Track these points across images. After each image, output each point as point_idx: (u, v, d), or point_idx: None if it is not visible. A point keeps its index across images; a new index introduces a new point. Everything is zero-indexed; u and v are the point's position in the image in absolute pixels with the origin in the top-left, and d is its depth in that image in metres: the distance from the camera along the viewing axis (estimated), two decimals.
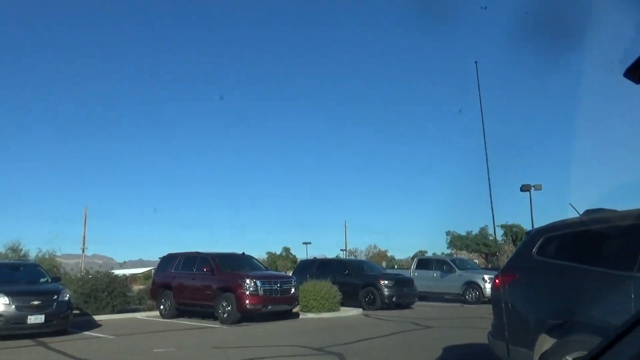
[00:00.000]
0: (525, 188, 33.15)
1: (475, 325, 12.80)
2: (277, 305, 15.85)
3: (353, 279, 20.28)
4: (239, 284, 15.29)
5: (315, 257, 28.72)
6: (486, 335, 6.40)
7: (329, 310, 17.47)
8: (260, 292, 15.34)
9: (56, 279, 15.22)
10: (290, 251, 63.84)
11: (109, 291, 17.33)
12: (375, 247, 68.35)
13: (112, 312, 17.26)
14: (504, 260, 35.93)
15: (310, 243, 59.84)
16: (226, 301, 15.40)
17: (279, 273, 22.65)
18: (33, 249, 34.06)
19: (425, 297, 23.33)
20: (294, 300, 16.56)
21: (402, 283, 20.36)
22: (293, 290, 16.47)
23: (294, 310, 17.09)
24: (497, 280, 6.19)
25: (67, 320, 13.20)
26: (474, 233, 42.73)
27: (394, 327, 14.09)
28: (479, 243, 41.40)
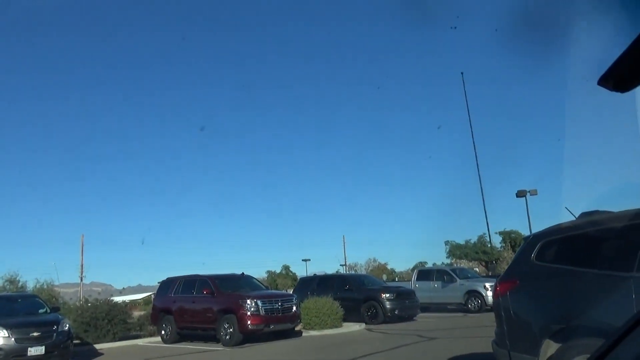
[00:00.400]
0: (520, 194, 33.29)
1: (479, 335, 12.74)
2: (279, 325, 15.73)
3: (354, 293, 20.21)
4: (240, 305, 15.19)
5: (315, 274, 28.62)
6: (490, 344, 6.38)
7: (332, 327, 17.37)
8: (262, 312, 15.24)
9: (55, 309, 15.11)
10: (290, 269, 63.58)
11: (109, 319, 17.19)
12: (374, 260, 68.10)
13: (113, 339, 17.11)
14: (503, 267, 35.89)
15: (309, 260, 59.71)
16: (228, 323, 15.28)
17: (279, 292, 22.53)
18: (31, 279, 33.89)
19: (427, 308, 23.24)
20: (296, 318, 16.46)
21: (403, 295, 20.28)
22: (294, 308, 16.37)
23: (297, 328, 16.98)
24: (498, 288, 6.18)
25: (68, 350, 13.08)
26: (472, 241, 42.71)
27: (397, 340, 14.00)
28: (478, 251, 41.34)
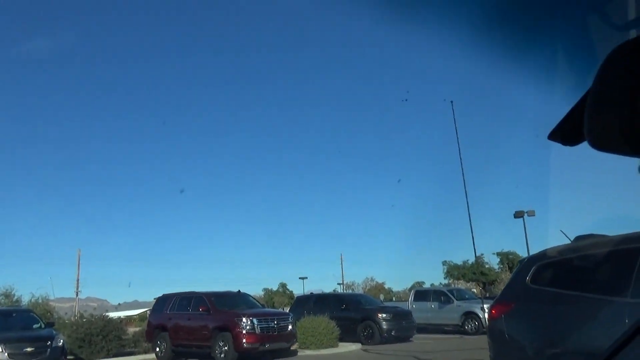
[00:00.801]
0: (518, 215, 33.25)
1: (475, 357, 12.66)
2: (274, 344, 15.64)
3: (351, 313, 20.11)
4: (236, 323, 15.12)
5: (311, 293, 28.55)
6: None
7: (328, 347, 17.27)
8: (257, 331, 15.16)
9: (50, 324, 15.07)
10: (287, 287, 63.21)
11: (103, 335, 17.08)
12: (372, 279, 67.78)
13: (107, 356, 16.98)
14: (500, 288, 35.72)
15: (306, 278, 59.25)
16: (223, 341, 15.20)
17: (275, 310, 22.43)
18: (26, 294, 33.77)
19: (424, 329, 23.09)
20: (291, 337, 16.36)
21: (400, 316, 20.20)
22: (290, 327, 16.29)
23: (292, 347, 16.87)
24: (492, 311, 6.19)
25: None
26: (470, 262, 42.61)
27: None
28: (475, 272, 41.19)
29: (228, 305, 16.57)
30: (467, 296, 25.49)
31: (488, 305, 21.68)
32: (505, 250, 44.31)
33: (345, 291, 53.25)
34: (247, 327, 15.04)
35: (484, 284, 42.50)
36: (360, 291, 54.80)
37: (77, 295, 49.82)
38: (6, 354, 12.09)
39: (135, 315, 54.81)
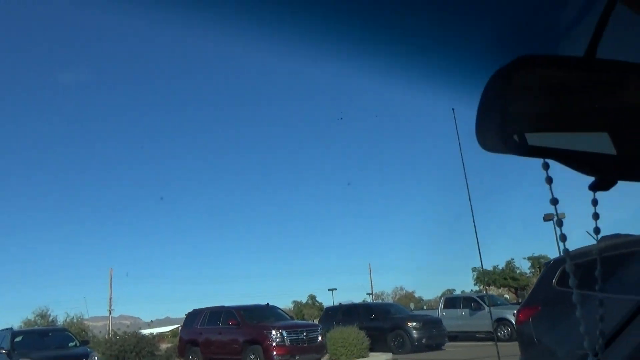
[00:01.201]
0: (547, 217, 32.74)
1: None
2: (305, 355, 15.66)
3: (380, 322, 20.01)
4: (265, 336, 15.22)
5: (340, 303, 28.48)
6: None
7: (358, 357, 17.21)
8: (287, 343, 15.22)
9: (84, 342, 15.39)
10: (316, 299, 63.13)
11: (136, 351, 17.35)
12: (401, 288, 67.34)
13: None
14: None
15: (335, 289, 59.16)
16: (253, 354, 15.31)
17: (304, 322, 22.47)
18: (61, 313, 34.46)
19: (455, 337, 22.81)
20: (321, 348, 16.38)
21: (430, 324, 20.02)
22: (320, 338, 16.31)
23: (323, 359, 16.87)
24: (520, 315, 6.16)
25: None
26: (500, 267, 42.00)
27: None
28: (506, 277, 40.56)
29: (257, 318, 16.70)
30: (498, 302, 25.12)
31: None
32: (537, 254, 43.58)
33: (374, 301, 52.97)
34: (277, 340, 15.12)
35: (516, 289, 41.82)
36: (390, 300, 54.43)
37: (110, 313, 50.52)
38: None
39: (168, 331, 55.31)
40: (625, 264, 5.24)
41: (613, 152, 0.75)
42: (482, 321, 23.11)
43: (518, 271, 42.17)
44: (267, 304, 18.23)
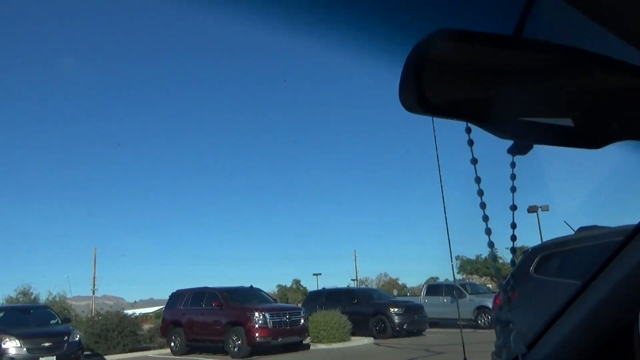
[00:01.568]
0: (532, 210, 33.08)
1: (488, 350, 12.68)
2: (287, 338, 15.82)
3: (362, 307, 20.20)
4: (248, 318, 15.32)
5: (324, 288, 28.67)
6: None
7: (340, 341, 17.40)
8: (270, 325, 15.35)
9: (66, 320, 15.36)
10: (301, 283, 63.39)
11: (119, 330, 17.39)
12: (385, 275, 67.78)
13: (123, 351, 17.29)
14: None
15: (320, 274, 59.36)
16: (236, 335, 15.41)
17: (287, 305, 22.62)
18: (43, 292, 34.31)
19: (436, 323, 23.10)
20: (303, 331, 16.54)
21: (412, 310, 20.25)
22: (302, 321, 16.46)
23: (305, 341, 17.04)
24: (497, 301, 6.27)
25: None
26: (483, 257, 42.52)
27: (405, 355, 14.03)
28: (489, 266, 41.08)
29: (241, 300, 16.79)
30: (480, 290, 25.45)
31: None
32: (519, 245, 44.13)
33: (358, 286, 53.33)
34: (260, 322, 15.24)
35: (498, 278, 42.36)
36: (374, 287, 54.84)
37: (93, 293, 50.43)
38: (24, 349, 12.37)
39: (151, 312, 55.28)
40: (601, 255, 5.36)
41: (529, 117, 0.79)
42: (463, 308, 23.44)
43: (500, 261, 42.67)
44: (251, 286, 18.32)
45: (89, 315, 21.83)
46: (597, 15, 0.80)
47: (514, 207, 1.05)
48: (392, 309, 19.64)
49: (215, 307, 16.42)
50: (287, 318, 15.89)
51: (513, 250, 1.06)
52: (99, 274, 51.28)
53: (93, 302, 48.88)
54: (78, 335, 13.70)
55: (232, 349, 15.38)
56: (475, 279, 42.38)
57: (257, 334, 15.09)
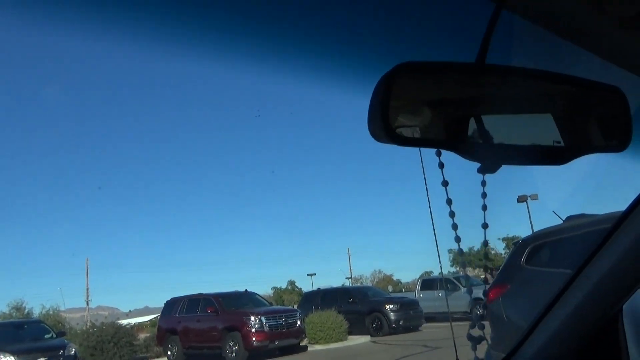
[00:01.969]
0: (521, 199, 33.29)
1: (484, 342, 12.78)
2: (284, 340, 15.80)
3: (358, 306, 20.24)
4: (244, 322, 15.28)
5: (319, 288, 28.69)
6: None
7: (337, 340, 17.41)
8: (266, 328, 15.32)
9: (61, 334, 15.26)
10: (296, 284, 63.30)
11: (114, 342, 17.27)
12: (380, 272, 67.88)
13: None
14: None
15: (315, 274, 59.36)
16: (233, 340, 15.37)
17: (283, 307, 22.62)
18: (37, 306, 34.03)
19: (432, 318, 23.16)
20: (300, 333, 16.53)
21: (407, 306, 20.31)
22: (299, 323, 16.45)
23: (302, 343, 17.03)
24: (490, 294, 6.31)
25: None
26: (475, 249, 42.72)
27: (403, 351, 14.07)
28: (481, 258, 41.30)
29: (236, 305, 16.74)
30: (474, 283, 25.56)
31: None
32: (511, 235, 44.41)
33: (353, 285, 53.39)
34: (256, 326, 15.20)
35: (491, 269, 42.62)
36: (369, 284, 54.92)
37: (87, 304, 50.06)
38: None
39: (147, 321, 54.99)
40: (588, 242, 5.41)
41: (496, 140, 0.82)
42: (458, 302, 23.53)
43: (493, 252, 42.98)
44: (246, 290, 18.29)
45: (84, 328, 21.64)
46: (558, 29, 0.82)
47: (485, 225, 1.08)
48: (388, 306, 19.69)
49: (211, 313, 16.37)
50: (283, 320, 15.87)
51: (486, 268, 1.10)
52: (92, 285, 51.07)
53: (87, 314, 48.52)
54: (73, 349, 13.61)
55: (230, 354, 15.33)
56: (469, 271, 42.56)
57: (254, 338, 15.05)
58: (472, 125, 0.81)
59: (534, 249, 5.96)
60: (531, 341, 1.41)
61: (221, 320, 16.04)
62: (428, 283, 26.29)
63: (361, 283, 60.27)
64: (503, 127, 0.83)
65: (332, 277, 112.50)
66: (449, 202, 1.01)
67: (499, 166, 0.87)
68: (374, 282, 59.77)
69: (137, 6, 1.01)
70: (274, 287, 63.08)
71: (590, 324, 1.33)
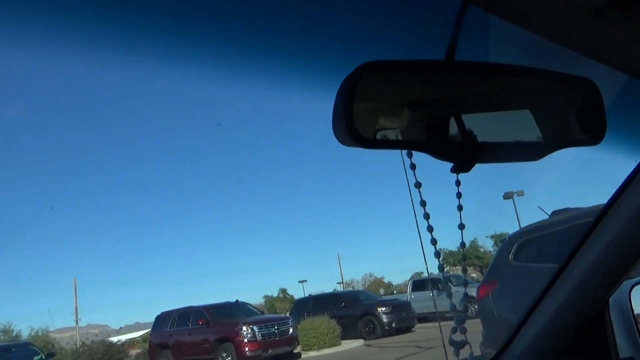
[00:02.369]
0: (507, 196, 33.51)
1: (476, 340, 12.82)
2: (277, 349, 15.70)
3: (350, 310, 20.19)
4: (236, 332, 15.17)
5: (310, 295, 28.62)
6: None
7: (330, 346, 17.35)
8: (259, 338, 15.22)
9: (50, 355, 15.08)
10: (287, 292, 63.04)
11: (105, 359, 17.06)
12: (371, 275, 67.87)
13: None
14: None
15: (306, 281, 59.16)
16: (225, 352, 15.25)
17: (275, 316, 22.50)
18: (25, 327, 33.50)
19: (425, 318, 23.19)
20: (293, 340, 16.45)
21: (399, 308, 20.32)
22: (291, 330, 16.37)
23: (295, 350, 16.95)
24: (480, 291, 6.33)
25: None
26: (465, 247, 42.99)
27: (397, 353, 14.07)
28: (471, 257, 41.53)
29: (227, 316, 16.62)
30: (462, 282, 25.67)
31: None
32: (499, 232, 44.70)
33: (344, 289, 53.32)
34: (249, 335, 15.10)
35: (480, 267, 42.85)
36: (360, 288, 54.87)
37: (77, 323, 49.34)
38: None
39: (138, 337, 54.41)
40: (573, 236, 5.44)
41: (467, 139, 0.80)
42: (447, 301, 23.54)
43: (482, 250, 43.22)
44: (237, 300, 18.16)
45: (74, 347, 21.33)
46: (528, 23, 0.81)
47: (462, 226, 1.07)
48: (380, 309, 19.66)
49: (202, 326, 16.23)
50: (275, 329, 15.79)
51: (464, 269, 1.12)
52: (81, 304, 50.33)
53: (77, 333, 47.80)
54: None
55: None
56: (458, 270, 42.71)
57: (246, 348, 14.94)
58: (443, 124, 0.79)
59: (521, 245, 5.99)
60: (520, 338, 1.41)
61: (213, 331, 15.91)
62: (419, 284, 26.33)
63: (352, 287, 60.19)
64: (475, 125, 0.81)
65: (324, 283, 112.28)
66: (423, 203, 0.99)
67: (473, 165, 0.85)
68: (366, 286, 59.75)
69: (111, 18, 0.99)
70: (265, 296, 62.72)
71: (577, 318, 1.32)
